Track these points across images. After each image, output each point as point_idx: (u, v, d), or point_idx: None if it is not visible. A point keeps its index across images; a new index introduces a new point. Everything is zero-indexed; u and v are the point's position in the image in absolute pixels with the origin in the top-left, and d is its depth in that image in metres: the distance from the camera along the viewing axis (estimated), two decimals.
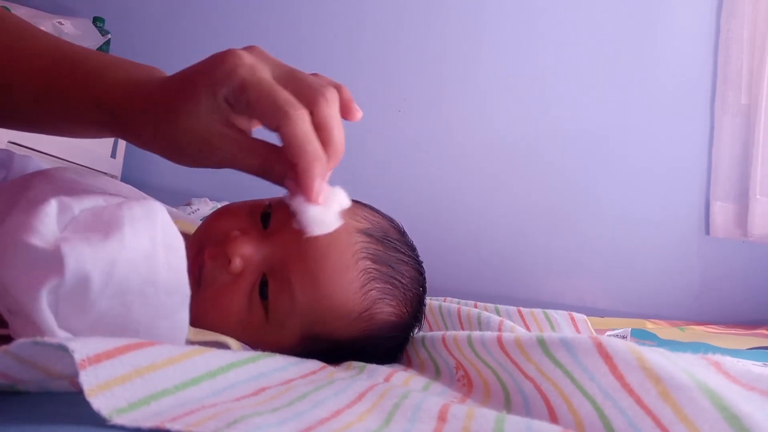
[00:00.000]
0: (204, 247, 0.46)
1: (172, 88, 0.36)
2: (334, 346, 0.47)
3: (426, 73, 1.56)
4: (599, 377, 0.30)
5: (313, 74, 0.38)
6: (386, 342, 0.50)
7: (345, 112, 0.38)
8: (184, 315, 0.33)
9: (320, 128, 0.35)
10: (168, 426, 0.20)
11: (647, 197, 1.53)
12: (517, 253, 1.52)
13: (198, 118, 0.34)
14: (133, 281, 0.30)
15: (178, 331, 0.33)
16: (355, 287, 0.46)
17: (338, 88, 0.38)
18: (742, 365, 0.28)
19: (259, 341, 0.43)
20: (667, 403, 0.26)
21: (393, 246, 0.49)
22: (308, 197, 0.35)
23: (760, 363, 0.75)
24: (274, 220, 0.47)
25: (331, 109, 0.36)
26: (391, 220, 0.54)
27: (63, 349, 0.22)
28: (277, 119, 0.33)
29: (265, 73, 0.35)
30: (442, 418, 0.27)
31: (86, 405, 0.21)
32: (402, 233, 0.53)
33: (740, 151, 1.48)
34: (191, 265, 0.45)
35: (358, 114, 0.39)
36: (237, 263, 0.44)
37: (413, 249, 0.53)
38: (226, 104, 0.34)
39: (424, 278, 0.54)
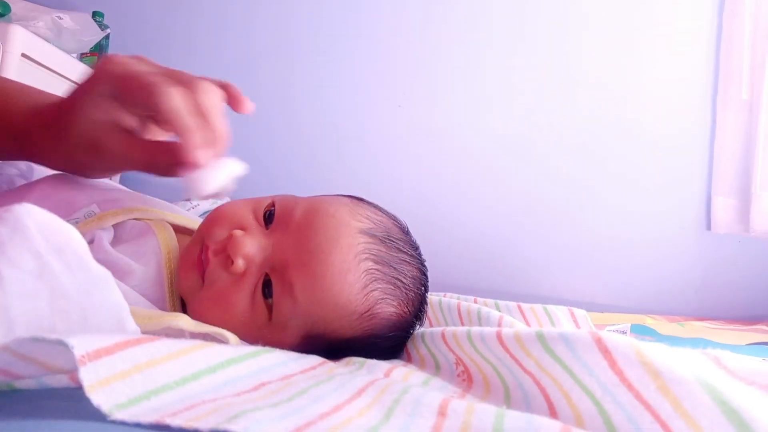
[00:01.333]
0: (207, 245, 0.46)
1: (63, 105, 0.38)
2: (335, 344, 0.47)
3: (425, 68, 1.55)
4: (598, 372, 0.30)
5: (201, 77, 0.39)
6: (387, 340, 0.50)
7: (234, 105, 0.40)
8: (114, 296, 0.30)
9: (199, 114, 0.36)
10: (168, 421, 0.20)
11: (647, 192, 1.53)
12: (517, 248, 1.52)
13: (86, 121, 0.36)
14: (41, 310, 0.26)
15: (123, 313, 0.30)
16: (356, 288, 0.46)
17: (224, 86, 0.40)
18: (742, 360, 0.28)
19: (260, 339, 0.43)
20: (667, 398, 0.26)
21: (395, 246, 0.49)
22: (188, 161, 0.36)
23: (759, 358, 0.75)
24: (276, 219, 0.47)
25: (207, 96, 0.37)
26: (394, 218, 0.53)
27: (62, 345, 0.22)
28: (153, 97, 0.35)
29: (141, 67, 0.37)
30: (442, 413, 0.27)
31: (86, 400, 0.21)
32: (405, 231, 0.53)
33: (742, 146, 1.48)
34: (195, 263, 0.46)
35: (248, 106, 0.41)
36: (240, 264, 0.44)
37: (416, 248, 0.53)
38: (111, 100, 0.36)
39: (427, 277, 0.54)
